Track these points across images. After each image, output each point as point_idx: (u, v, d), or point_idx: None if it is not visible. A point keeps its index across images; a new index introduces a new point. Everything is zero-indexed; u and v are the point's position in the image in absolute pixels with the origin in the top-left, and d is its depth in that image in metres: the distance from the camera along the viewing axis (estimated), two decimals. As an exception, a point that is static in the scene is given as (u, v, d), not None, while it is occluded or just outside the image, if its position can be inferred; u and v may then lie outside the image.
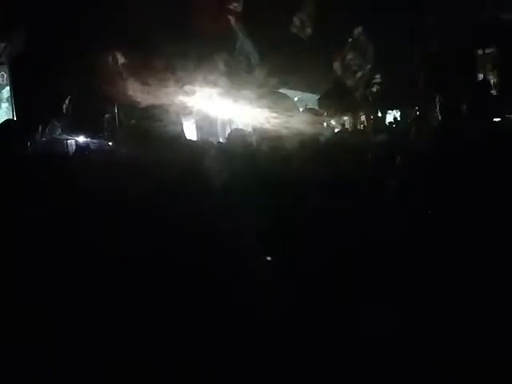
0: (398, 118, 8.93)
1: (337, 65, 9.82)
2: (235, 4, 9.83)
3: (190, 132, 7.87)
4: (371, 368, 2.14)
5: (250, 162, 3.60)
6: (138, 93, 8.44)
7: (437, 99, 8.57)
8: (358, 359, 2.17)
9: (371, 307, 2.46)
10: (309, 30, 9.76)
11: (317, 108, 9.64)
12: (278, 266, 2.80)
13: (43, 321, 2.28)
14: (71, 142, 6.79)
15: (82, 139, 7.22)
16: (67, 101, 8.88)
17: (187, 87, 9.43)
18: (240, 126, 7.75)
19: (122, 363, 2.07)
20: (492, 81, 8.41)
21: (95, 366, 2.08)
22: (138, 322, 2.31)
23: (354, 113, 9.46)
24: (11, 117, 8.44)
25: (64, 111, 8.86)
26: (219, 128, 8.42)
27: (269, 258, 2.81)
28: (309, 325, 2.42)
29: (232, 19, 9.91)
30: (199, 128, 8.32)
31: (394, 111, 9.34)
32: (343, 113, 9.50)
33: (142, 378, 2.05)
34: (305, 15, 9.77)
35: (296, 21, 9.92)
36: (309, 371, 2.19)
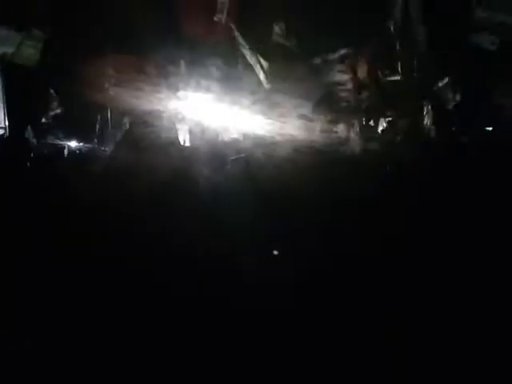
0: (385, 126, 8.93)
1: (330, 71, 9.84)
2: (228, 10, 9.86)
3: (184, 138, 7.87)
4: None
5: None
6: (131, 98, 8.43)
7: (428, 107, 8.61)
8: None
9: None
10: (302, 36, 9.79)
11: (310, 115, 9.66)
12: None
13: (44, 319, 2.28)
14: (63, 146, 6.78)
15: (74, 144, 7.19)
16: (59, 105, 8.83)
17: (180, 93, 9.42)
18: (234, 133, 7.75)
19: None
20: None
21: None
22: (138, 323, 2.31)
23: (347, 120, 9.46)
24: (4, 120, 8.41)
25: (56, 115, 8.81)
26: (212, 134, 8.41)
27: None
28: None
29: (225, 25, 9.94)
30: (192, 134, 8.31)
31: (383, 119, 9.33)
32: (336, 120, 9.52)
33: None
34: (298, 20, 9.82)
35: (286, 27, 9.96)
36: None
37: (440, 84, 8.74)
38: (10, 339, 2.28)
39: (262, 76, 9.64)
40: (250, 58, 9.69)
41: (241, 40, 9.71)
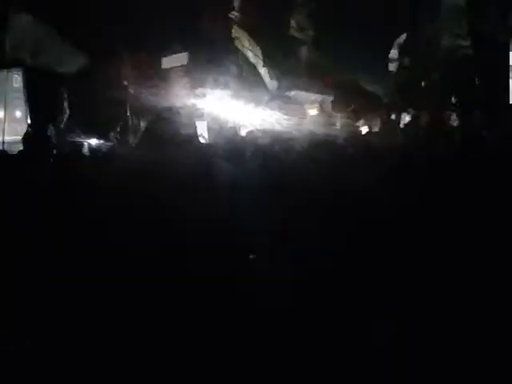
0: (407, 121, 8.84)
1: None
2: (242, 8, 9.91)
3: (202, 134, 7.90)
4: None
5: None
6: (151, 95, 8.51)
7: (452, 101, 8.50)
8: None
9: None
10: (320, 32, 9.77)
11: (330, 110, 9.63)
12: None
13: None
14: (84, 143, 6.86)
15: (94, 141, 7.28)
16: (79, 103, 8.96)
17: (199, 90, 9.49)
18: (251, 128, 7.74)
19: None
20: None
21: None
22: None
23: (368, 115, 9.39)
24: (26, 119, 8.57)
25: (76, 113, 8.94)
26: (230, 130, 8.44)
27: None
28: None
29: (240, 22, 9.98)
30: (210, 130, 8.36)
31: (405, 114, 9.23)
32: (357, 115, 9.45)
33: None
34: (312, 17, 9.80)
35: (305, 22, 9.95)
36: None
37: (464, 80, 8.63)
38: (10, 339, 2.29)
39: (273, 74, 9.69)
40: (262, 55, 9.74)
41: (254, 37, 9.76)
